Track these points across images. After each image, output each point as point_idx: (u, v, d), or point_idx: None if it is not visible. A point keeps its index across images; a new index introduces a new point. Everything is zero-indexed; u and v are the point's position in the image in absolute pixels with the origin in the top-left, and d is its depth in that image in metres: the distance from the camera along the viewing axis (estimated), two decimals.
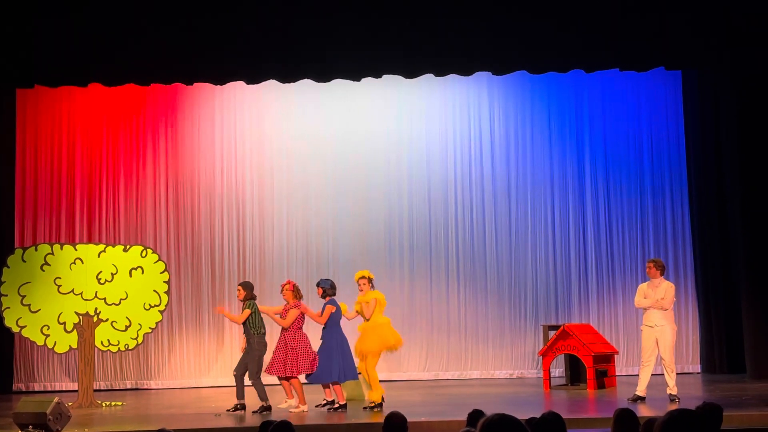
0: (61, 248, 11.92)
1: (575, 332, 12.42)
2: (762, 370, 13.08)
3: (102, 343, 11.86)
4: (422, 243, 14.92)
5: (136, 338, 11.96)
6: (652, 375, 10.89)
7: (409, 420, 5.79)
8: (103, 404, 11.82)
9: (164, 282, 12.07)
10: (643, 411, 9.52)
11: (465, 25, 12.20)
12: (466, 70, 12.98)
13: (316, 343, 10.73)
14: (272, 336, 11.47)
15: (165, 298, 12.05)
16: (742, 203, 13.53)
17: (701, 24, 12.21)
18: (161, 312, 12.06)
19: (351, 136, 14.96)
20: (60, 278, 11.76)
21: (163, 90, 14.51)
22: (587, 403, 11.20)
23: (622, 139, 15.07)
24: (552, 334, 12.92)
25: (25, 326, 11.70)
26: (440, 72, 12.88)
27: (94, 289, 11.81)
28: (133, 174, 14.72)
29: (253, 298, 10.96)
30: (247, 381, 10.78)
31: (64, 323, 11.74)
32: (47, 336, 11.73)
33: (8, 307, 11.66)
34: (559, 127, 15.08)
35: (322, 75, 12.73)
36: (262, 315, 10.87)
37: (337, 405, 10.49)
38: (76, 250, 11.94)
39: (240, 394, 10.71)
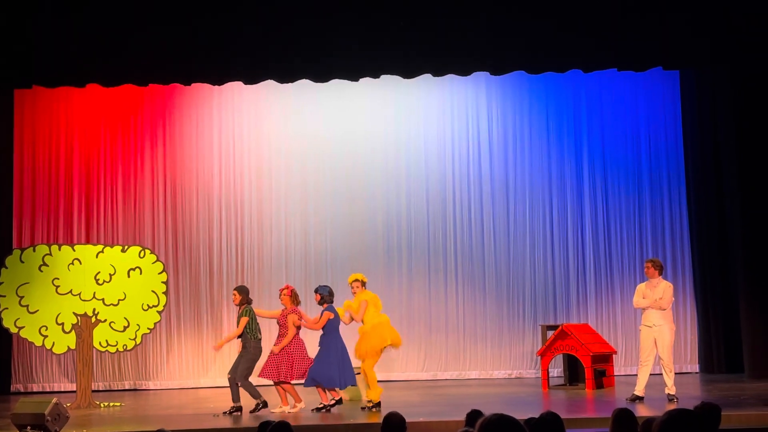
0: (59, 249, 11.91)
1: (574, 332, 12.42)
2: (760, 370, 13.09)
3: (100, 343, 11.86)
4: (420, 243, 14.92)
5: (134, 339, 11.95)
6: (651, 375, 10.90)
7: (407, 420, 5.79)
8: (102, 405, 11.81)
9: (162, 282, 12.06)
10: (642, 411, 9.52)
11: (463, 26, 12.19)
12: (464, 70, 12.98)
13: (313, 349, 10.71)
14: (268, 341, 11.42)
15: (163, 298, 12.05)
16: (741, 203, 13.53)
17: (699, 24, 12.21)
18: (159, 312, 12.06)
19: (349, 137, 14.96)
20: (58, 279, 11.75)
21: (161, 90, 14.51)
22: (586, 403, 11.20)
23: (620, 139, 15.08)
24: (550, 334, 12.92)
25: (23, 327, 11.70)
26: (438, 72, 12.88)
27: (92, 289, 11.80)
28: (131, 174, 14.71)
29: (249, 302, 10.95)
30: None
31: (63, 324, 11.74)
32: (45, 337, 11.73)
33: (6, 308, 11.65)
34: (557, 127, 15.09)
35: (320, 75, 12.72)
36: (258, 318, 10.86)
37: (332, 402, 10.47)
38: (74, 250, 11.93)
39: (235, 397, 10.69)
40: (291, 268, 14.61)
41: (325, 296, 10.71)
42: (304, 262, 14.75)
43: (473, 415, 5.85)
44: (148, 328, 12.06)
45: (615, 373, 12.99)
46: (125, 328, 11.88)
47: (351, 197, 14.91)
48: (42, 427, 9.01)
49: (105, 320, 11.81)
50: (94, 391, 12.31)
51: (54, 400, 9.27)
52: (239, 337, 10.84)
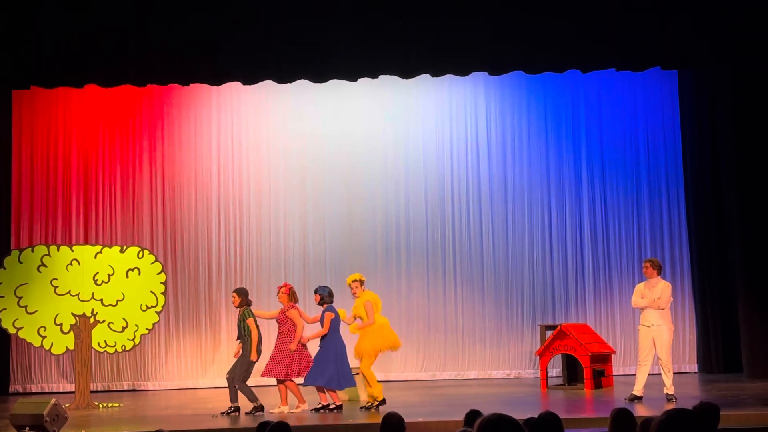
0: (58, 249, 11.90)
1: (572, 332, 12.43)
2: (759, 370, 13.09)
3: (99, 344, 11.85)
4: (419, 243, 14.92)
5: (132, 339, 11.95)
6: (649, 374, 10.90)
7: (406, 420, 5.79)
8: (100, 405, 11.81)
9: (161, 283, 12.06)
10: (640, 411, 9.52)
11: (461, 26, 12.19)
12: (462, 71, 12.98)
13: (313, 349, 10.73)
14: (268, 342, 11.43)
15: (162, 299, 12.04)
16: (739, 203, 13.53)
17: (697, 24, 12.21)
18: (158, 313, 12.05)
19: (348, 137, 14.96)
20: (57, 279, 11.74)
21: (159, 91, 14.51)
22: (584, 403, 11.21)
23: (618, 139, 15.08)
24: (549, 334, 12.92)
25: (21, 327, 11.69)
26: (437, 72, 12.87)
27: (90, 290, 11.80)
28: (130, 175, 14.70)
29: (249, 304, 10.95)
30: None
31: (61, 324, 11.73)
32: (44, 337, 11.72)
33: (5, 309, 11.64)
34: (556, 127, 15.09)
35: (319, 75, 12.72)
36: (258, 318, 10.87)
37: (333, 406, 10.48)
38: (72, 251, 11.92)
39: (233, 398, 10.69)
40: (289, 269, 14.60)
41: (325, 297, 10.72)
42: (302, 262, 14.75)
43: (472, 415, 5.85)
44: (147, 329, 12.05)
45: (614, 373, 13.00)
46: (124, 328, 11.87)
47: (349, 197, 14.91)
48: (41, 428, 9.01)
49: (103, 321, 11.80)
50: (92, 391, 12.29)
51: (52, 400, 9.27)
52: (238, 339, 10.86)
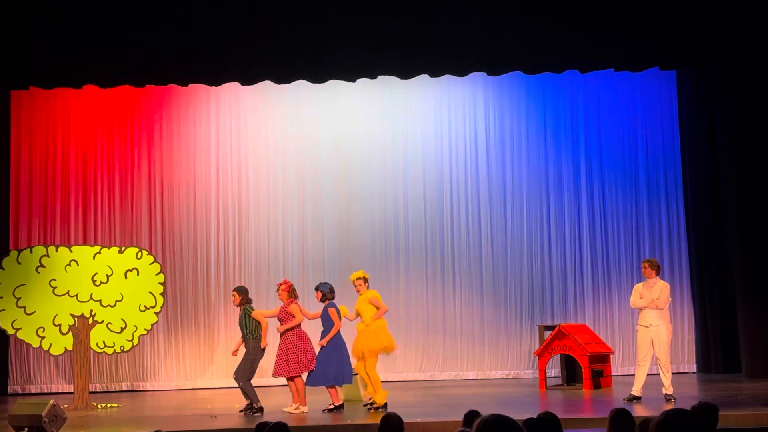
0: (56, 250, 11.90)
1: (571, 332, 12.43)
2: (757, 370, 13.09)
3: (97, 344, 11.85)
4: (418, 243, 14.92)
5: (131, 340, 11.95)
6: (648, 375, 10.90)
7: (405, 421, 5.79)
8: (99, 406, 11.80)
9: (159, 283, 12.06)
10: (639, 411, 9.53)
11: (460, 26, 12.20)
12: (461, 71, 12.99)
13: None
14: (271, 341, 11.44)
15: (160, 299, 12.04)
16: (738, 203, 13.53)
17: (696, 24, 12.23)
18: (157, 313, 12.05)
19: (346, 137, 14.96)
20: (55, 280, 11.74)
21: (157, 91, 14.50)
22: (583, 403, 11.21)
23: (617, 139, 15.08)
24: (548, 334, 12.93)
25: (20, 328, 11.68)
26: (435, 73, 12.88)
27: (89, 290, 11.79)
28: (128, 175, 14.69)
29: (249, 302, 10.97)
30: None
31: (60, 325, 11.73)
32: (42, 338, 11.71)
33: (3, 309, 11.64)
34: (555, 128, 15.09)
35: (317, 76, 12.73)
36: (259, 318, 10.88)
37: (332, 406, 10.49)
38: (71, 251, 11.92)
39: (247, 396, 10.72)
40: (288, 269, 14.59)
41: (326, 293, 10.73)
42: (301, 262, 14.74)
43: (470, 416, 5.85)
44: (146, 329, 12.05)
45: (612, 373, 13.00)
46: (122, 329, 11.87)
47: (348, 198, 14.91)
48: (39, 429, 9.01)
49: (102, 321, 11.79)
50: (91, 392, 12.30)
51: (51, 401, 9.26)
52: (242, 338, 10.88)
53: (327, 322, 10.61)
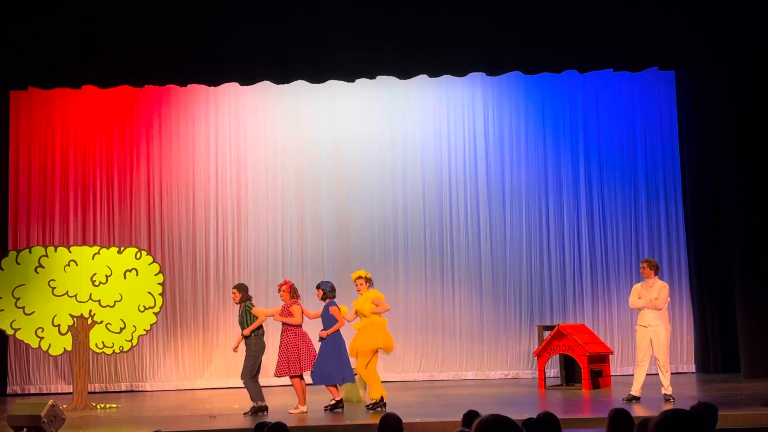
0: (55, 250, 11.90)
1: (570, 332, 12.43)
2: (756, 370, 13.10)
3: (96, 345, 11.85)
4: (417, 244, 14.92)
5: (130, 340, 11.95)
6: (647, 375, 10.89)
7: (404, 421, 5.78)
8: (98, 406, 11.80)
9: (159, 284, 12.06)
10: (638, 411, 9.53)
11: (459, 26, 12.20)
12: (460, 71, 12.98)
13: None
14: (269, 339, 11.46)
15: (159, 300, 12.05)
16: (736, 203, 13.54)
17: (695, 24, 12.23)
18: (156, 314, 12.05)
19: (345, 137, 14.96)
20: (54, 280, 11.74)
21: (156, 91, 14.50)
22: (582, 404, 11.21)
23: (615, 139, 15.09)
24: (547, 334, 12.93)
25: (19, 329, 11.68)
26: (434, 73, 12.88)
27: (88, 291, 11.79)
28: (127, 175, 14.69)
29: (249, 299, 10.97)
30: (240, 383, 10.79)
31: (59, 325, 11.72)
32: (41, 338, 11.71)
33: (2, 310, 11.64)
34: (553, 128, 15.10)
35: (317, 76, 12.72)
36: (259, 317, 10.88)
37: (333, 402, 10.49)
38: (70, 252, 11.92)
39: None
40: (287, 269, 14.59)
41: (328, 292, 10.74)
42: (300, 262, 14.74)
43: (470, 416, 5.85)
44: (145, 330, 12.05)
45: (611, 374, 13.00)
46: (121, 329, 11.87)
47: (347, 198, 14.91)
48: (38, 429, 9.01)
49: (101, 322, 11.79)
50: (90, 392, 12.30)
51: (50, 401, 9.26)
52: (242, 335, 10.88)
53: (328, 320, 10.61)
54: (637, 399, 10.69)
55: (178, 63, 12.22)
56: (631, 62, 12.65)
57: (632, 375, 11.16)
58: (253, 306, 10.91)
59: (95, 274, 11.83)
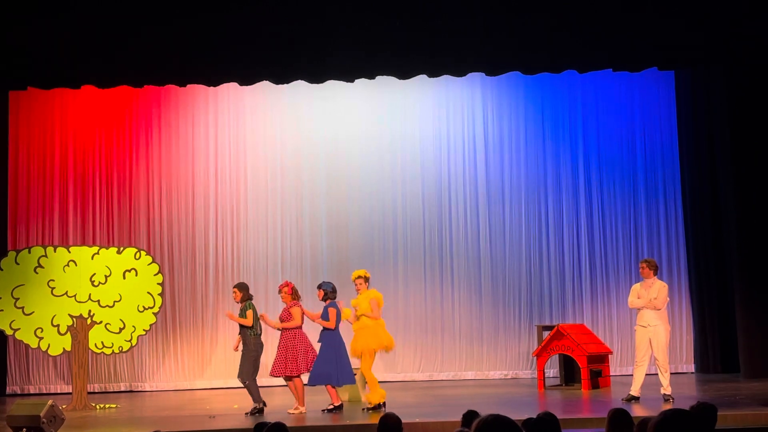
0: (55, 250, 11.90)
1: (569, 332, 12.43)
2: (756, 370, 13.10)
3: (96, 345, 11.85)
4: (416, 244, 14.92)
5: (129, 340, 11.95)
6: (647, 375, 10.89)
7: (403, 421, 5.78)
8: (97, 407, 11.80)
9: (158, 284, 12.06)
10: (638, 411, 9.53)
11: (458, 26, 12.18)
12: (459, 71, 12.97)
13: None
14: (269, 337, 11.47)
15: (159, 300, 12.05)
16: (736, 203, 13.55)
17: (694, 24, 12.21)
18: (155, 314, 12.05)
19: (344, 138, 14.96)
20: (53, 280, 11.74)
21: (155, 91, 14.50)
22: (582, 404, 11.21)
23: (615, 139, 15.09)
24: (546, 334, 12.92)
25: (18, 329, 11.68)
26: (434, 73, 12.86)
27: (87, 291, 11.79)
28: (127, 175, 14.70)
29: (250, 298, 10.97)
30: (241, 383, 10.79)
31: (58, 326, 11.72)
32: (41, 338, 11.71)
33: (2, 310, 11.64)
34: (553, 128, 15.10)
35: (316, 76, 12.71)
36: (261, 322, 10.87)
37: (331, 406, 10.50)
38: (69, 252, 11.92)
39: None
40: (287, 269, 14.60)
41: (329, 292, 10.74)
42: (299, 263, 14.75)
43: (469, 416, 5.85)
44: (144, 330, 12.05)
45: (611, 374, 13.00)
46: (121, 329, 11.87)
47: (346, 198, 14.91)
48: (38, 429, 9.00)
49: (100, 322, 11.79)
50: (89, 392, 12.30)
51: (50, 402, 9.26)
52: (240, 334, 10.87)
53: (327, 320, 10.60)
54: (636, 399, 10.69)
55: (177, 63, 12.21)
56: (630, 62, 12.63)
57: (631, 375, 11.15)
58: (251, 306, 10.88)
59: (94, 274, 11.83)
